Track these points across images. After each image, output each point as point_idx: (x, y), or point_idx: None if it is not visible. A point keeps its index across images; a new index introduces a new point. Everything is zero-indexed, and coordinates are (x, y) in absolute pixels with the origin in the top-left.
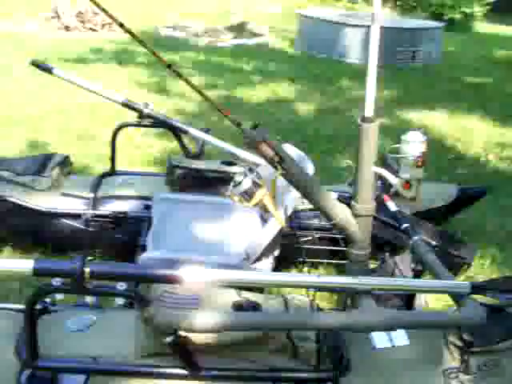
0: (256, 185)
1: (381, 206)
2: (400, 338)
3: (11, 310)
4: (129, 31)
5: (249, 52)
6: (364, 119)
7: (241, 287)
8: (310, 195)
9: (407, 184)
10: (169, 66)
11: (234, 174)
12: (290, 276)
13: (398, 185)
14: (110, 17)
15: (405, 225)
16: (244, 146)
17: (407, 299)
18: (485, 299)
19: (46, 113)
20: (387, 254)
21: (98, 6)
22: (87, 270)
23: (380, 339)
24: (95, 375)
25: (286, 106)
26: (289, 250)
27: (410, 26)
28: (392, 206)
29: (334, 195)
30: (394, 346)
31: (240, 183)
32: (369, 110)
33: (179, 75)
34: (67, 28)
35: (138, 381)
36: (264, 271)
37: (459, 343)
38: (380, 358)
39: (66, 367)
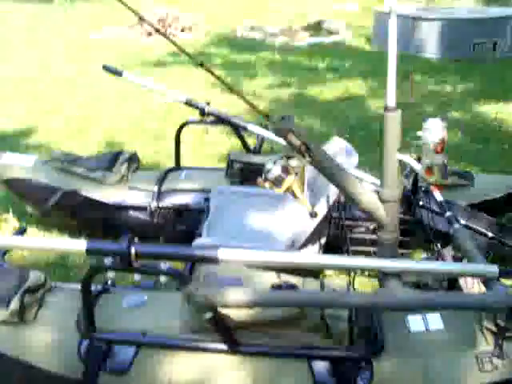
0: (285, 172)
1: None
2: (434, 321)
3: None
4: (159, 31)
5: (324, 50)
6: (387, 108)
7: (280, 270)
8: (336, 182)
9: (429, 170)
10: (201, 65)
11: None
12: (319, 257)
13: (422, 170)
14: (140, 18)
15: (448, 213)
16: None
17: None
18: None
19: (126, 114)
20: (439, 244)
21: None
22: (133, 249)
23: (415, 323)
24: (144, 348)
25: (356, 103)
26: (337, 240)
27: (491, 16)
28: (438, 195)
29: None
30: (428, 330)
31: (270, 170)
32: (391, 100)
33: (211, 72)
34: (149, 34)
35: (181, 354)
36: (295, 253)
37: (494, 328)
38: (414, 341)
39: (119, 340)
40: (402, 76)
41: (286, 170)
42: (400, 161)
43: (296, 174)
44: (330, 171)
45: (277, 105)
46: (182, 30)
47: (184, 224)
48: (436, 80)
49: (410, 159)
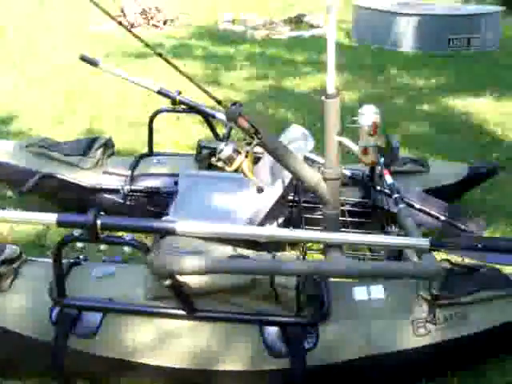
0: (236, 152)
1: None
2: (377, 292)
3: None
4: (121, 24)
5: (303, 43)
6: (327, 96)
7: (236, 245)
8: (283, 162)
9: (365, 150)
10: (160, 55)
11: None
12: (266, 229)
13: (358, 151)
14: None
15: (395, 195)
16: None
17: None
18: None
19: (104, 103)
20: (393, 226)
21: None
22: (99, 222)
23: (359, 292)
24: (110, 314)
25: None
26: (295, 221)
27: (466, 13)
28: (389, 179)
29: (346, 172)
30: (370, 299)
31: (222, 150)
32: (330, 87)
33: (168, 62)
34: (132, 26)
35: (144, 319)
36: (245, 227)
37: (428, 297)
38: (357, 308)
39: (87, 306)
40: (377, 70)
41: (236, 150)
42: (340, 142)
43: (246, 154)
44: (276, 152)
45: (253, 96)
46: (165, 23)
47: (155, 206)
48: (410, 74)
49: (347, 141)
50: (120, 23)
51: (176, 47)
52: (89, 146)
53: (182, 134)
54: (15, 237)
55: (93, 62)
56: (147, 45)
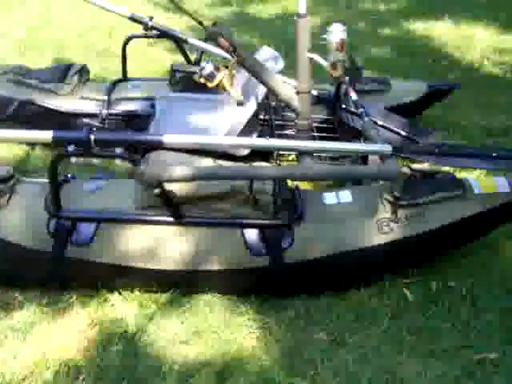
0: (216, 69)
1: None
2: (345, 196)
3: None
4: None
5: None
6: (299, 15)
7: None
8: (260, 78)
9: (333, 66)
10: None
11: None
12: (244, 140)
13: (327, 67)
14: None
15: (360, 110)
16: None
17: None
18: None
19: (70, 34)
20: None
21: None
22: (92, 137)
23: (329, 197)
24: (103, 222)
25: (293, 21)
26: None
27: None
28: (353, 95)
29: (314, 92)
30: (339, 203)
31: (204, 68)
32: (302, 8)
33: None
34: None
35: (135, 227)
36: (225, 138)
37: (390, 198)
38: (327, 211)
39: (81, 217)
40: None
41: (217, 68)
42: (311, 59)
43: (226, 71)
44: (253, 68)
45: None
46: None
47: (132, 128)
48: None
49: (317, 57)
50: None
51: None
52: (65, 72)
53: (153, 61)
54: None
55: None
56: None
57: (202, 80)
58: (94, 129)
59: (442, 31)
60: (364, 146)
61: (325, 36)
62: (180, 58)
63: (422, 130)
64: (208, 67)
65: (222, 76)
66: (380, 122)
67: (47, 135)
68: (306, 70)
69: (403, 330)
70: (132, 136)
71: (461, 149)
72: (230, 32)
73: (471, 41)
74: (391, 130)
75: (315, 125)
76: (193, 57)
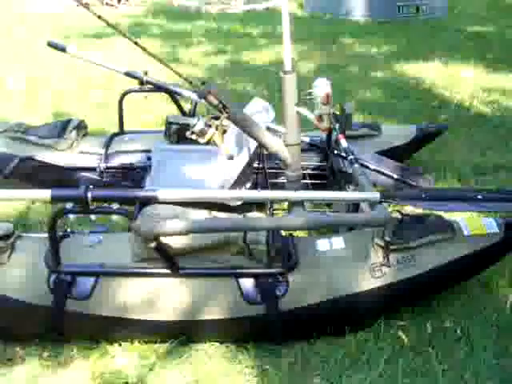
0: (207, 125)
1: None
2: (337, 242)
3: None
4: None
5: (258, 17)
6: (285, 72)
7: (211, 208)
8: (249, 132)
9: (319, 118)
10: (136, 43)
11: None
12: (236, 192)
13: (314, 119)
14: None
15: (350, 157)
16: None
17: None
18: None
19: (68, 86)
20: (350, 186)
21: None
22: (89, 194)
23: (322, 244)
24: (102, 277)
25: None
26: (262, 186)
27: None
28: (343, 142)
29: (306, 139)
30: (332, 249)
31: (195, 125)
32: (287, 64)
33: (143, 48)
34: (86, 5)
35: (133, 280)
36: (218, 191)
37: (382, 243)
38: (321, 258)
39: (81, 271)
40: (331, 39)
41: (207, 124)
42: (298, 112)
43: (217, 127)
44: (242, 123)
45: (213, 72)
46: (119, 1)
47: (130, 181)
48: (362, 42)
49: (304, 110)
50: (85, 6)
51: (132, 26)
52: (63, 128)
53: (148, 113)
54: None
55: (60, 48)
56: (124, 34)
57: (194, 136)
58: (91, 186)
59: (432, 72)
60: (353, 194)
61: (310, 90)
62: (174, 108)
63: (413, 172)
64: (199, 124)
65: (212, 132)
66: (372, 167)
67: (46, 194)
68: (294, 123)
69: (399, 373)
70: (128, 192)
71: (448, 193)
72: (218, 90)
73: (460, 81)
74: (383, 174)
75: (308, 171)
76: (188, 107)
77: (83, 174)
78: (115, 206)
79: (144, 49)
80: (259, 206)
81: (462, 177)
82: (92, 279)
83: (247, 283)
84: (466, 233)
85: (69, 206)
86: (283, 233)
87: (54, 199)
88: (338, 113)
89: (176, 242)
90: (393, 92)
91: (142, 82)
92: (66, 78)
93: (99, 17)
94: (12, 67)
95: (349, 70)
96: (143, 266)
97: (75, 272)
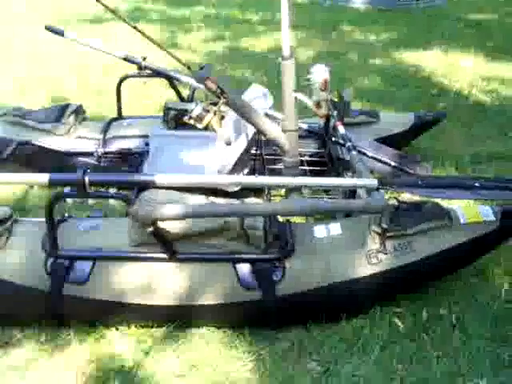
0: (205, 110)
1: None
2: (334, 229)
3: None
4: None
5: (257, 3)
6: (283, 57)
7: (206, 194)
8: (247, 118)
9: (318, 104)
10: (135, 27)
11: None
12: (234, 177)
13: (312, 105)
14: None
15: (348, 144)
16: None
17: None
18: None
19: (66, 72)
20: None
21: None
22: (87, 179)
23: (319, 230)
24: (99, 261)
25: None
26: (260, 173)
27: None
28: (341, 129)
29: (304, 126)
30: (329, 235)
31: (193, 110)
32: (286, 50)
33: (142, 34)
34: None
35: (130, 264)
36: (216, 176)
37: (378, 230)
38: (317, 244)
39: (78, 255)
40: (330, 26)
41: (205, 109)
42: (296, 98)
43: (215, 113)
44: (241, 109)
45: (211, 58)
46: None
47: (128, 166)
48: (362, 30)
49: (302, 96)
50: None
51: (131, 11)
52: (61, 112)
53: (147, 98)
54: None
55: (58, 32)
56: (123, 19)
57: (192, 121)
58: (89, 170)
59: (431, 60)
60: (350, 180)
61: (309, 77)
62: (172, 94)
63: (411, 160)
64: (197, 109)
65: (210, 117)
66: (370, 154)
67: (44, 178)
68: (292, 109)
69: (394, 359)
70: (125, 177)
71: (445, 181)
72: (217, 77)
73: (459, 69)
74: (381, 161)
75: (306, 158)
76: (186, 93)
77: (81, 158)
78: (113, 190)
79: (143, 34)
80: (257, 192)
81: (459, 165)
82: (89, 263)
83: (244, 268)
84: (462, 220)
85: (67, 190)
86: (280, 219)
87: (52, 183)
88: (336, 100)
89: (173, 227)
90: (392, 80)
91: (140, 68)
92: (63, 64)
93: (97, 0)
94: (9, 53)
95: (348, 58)
96: (141, 250)
97: (73, 256)
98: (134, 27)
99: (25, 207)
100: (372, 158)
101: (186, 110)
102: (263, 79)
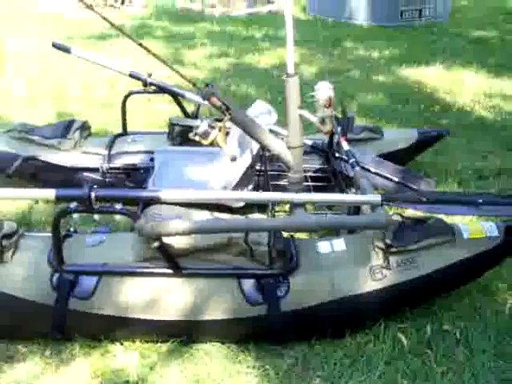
0: (211, 127)
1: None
2: (338, 244)
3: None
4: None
5: (261, 20)
6: (287, 75)
7: (213, 210)
8: (252, 134)
9: (323, 121)
10: (140, 45)
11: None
12: (238, 194)
13: (317, 122)
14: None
15: (351, 160)
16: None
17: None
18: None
19: (71, 87)
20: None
21: None
22: (93, 194)
23: (323, 246)
24: (104, 276)
25: None
26: (264, 188)
27: None
28: (345, 145)
29: (308, 142)
30: (333, 251)
31: (199, 126)
32: (290, 68)
33: (148, 50)
34: (89, 6)
35: (135, 279)
36: (220, 192)
37: (382, 246)
38: (322, 260)
39: (83, 270)
40: (333, 43)
41: (211, 126)
42: (300, 115)
43: (220, 129)
44: (245, 125)
45: (215, 74)
46: (123, 2)
47: (133, 181)
48: (365, 46)
49: (307, 113)
50: (90, 7)
51: (136, 28)
52: (67, 128)
53: (151, 114)
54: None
55: (65, 49)
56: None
57: (197, 138)
58: (95, 186)
59: (433, 76)
60: (354, 196)
61: (313, 94)
62: (177, 110)
63: (414, 175)
64: (203, 125)
65: (215, 134)
66: (373, 170)
67: (50, 193)
68: (296, 126)
69: (399, 374)
70: (131, 192)
71: (448, 197)
72: (223, 91)
73: (462, 86)
74: (385, 177)
75: (310, 174)
76: (191, 109)
77: (86, 174)
78: (118, 206)
79: (148, 50)
80: (261, 207)
81: (462, 181)
82: (94, 278)
83: (249, 284)
84: (465, 236)
85: (72, 205)
86: (284, 234)
87: (59, 198)
88: (339, 116)
89: (178, 242)
90: (394, 96)
91: (145, 84)
92: (69, 80)
93: (104, 18)
94: (16, 68)
95: (351, 74)
96: (145, 265)
97: (78, 271)
98: (140, 44)
99: (29, 222)
100: (375, 173)
101: (191, 127)
102: (267, 95)
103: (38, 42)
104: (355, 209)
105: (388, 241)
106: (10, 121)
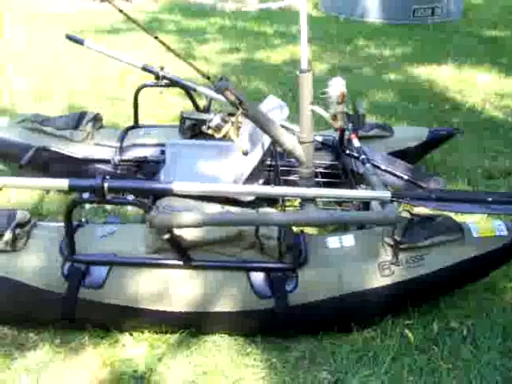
0: (224, 121)
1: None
2: (347, 239)
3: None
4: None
5: (273, 16)
6: (301, 71)
7: (223, 203)
8: (264, 128)
9: (335, 117)
10: (156, 38)
11: None
12: (250, 187)
13: (329, 118)
14: None
15: (362, 156)
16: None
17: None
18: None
19: (83, 81)
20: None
21: None
22: (106, 184)
23: (332, 241)
24: (115, 267)
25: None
26: (275, 183)
27: None
28: (356, 142)
29: (319, 138)
30: (342, 246)
31: (212, 120)
32: (304, 64)
33: (163, 43)
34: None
35: (145, 270)
36: (232, 185)
37: (391, 242)
38: (331, 255)
39: (95, 260)
40: (345, 40)
41: (224, 119)
42: (313, 111)
43: (232, 123)
44: (258, 120)
45: (226, 69)
46: None
47: (144, 174)
48: (377, 44)
49: (319, 109)
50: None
51: (147, 22)
52: (79, 119)
53: (163, 108)
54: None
55: (78, 41)
56: (144, 28)
57: (210, 131)
58: (108, 177)
59: (444, 75)
60: (364, 192)
61: (326, 89)
62: (189, 103)
63: (424, 174)
64: (215, 119)
65: (228, 127)
66: (383, 167)
67: (63, 183)
68: (308, 121)
69: (405, 370)
70: (144, 184)
71: (458, 194)
72: (235, 86)
73: (473, 85)
74: (394, 175)
75: (320, 170)
76: (202, 103)
77: (98, 165)
78: (130, 197)
79: (163, 43)
80: (271, 202)
81: (472, 181)
82: (105, 268)
83: (258, 277)
84: (474, 234)
85: (85, 195)
86: (294, 229)
87: (72, 188)
88: (350, 112)
89: (189, 235)
90: (405, 94)
91: (158, 77)
92: (80, 73)
93: (120, 11)
94: (28, 61)
95: (361, 72)
96: (156, 257)
97: (89, 261)
98: (156, 37)
99: (41, 212)
100: (385, 171)
101: (202, 120)
102: (277, 91)
103: (50, 36)
104: (365, 205)
105: (397, 237)
106: (22, 113)
